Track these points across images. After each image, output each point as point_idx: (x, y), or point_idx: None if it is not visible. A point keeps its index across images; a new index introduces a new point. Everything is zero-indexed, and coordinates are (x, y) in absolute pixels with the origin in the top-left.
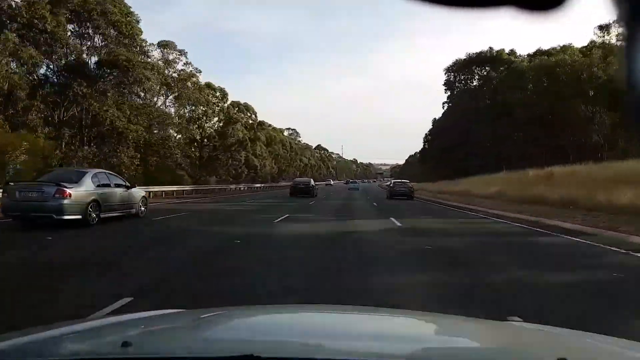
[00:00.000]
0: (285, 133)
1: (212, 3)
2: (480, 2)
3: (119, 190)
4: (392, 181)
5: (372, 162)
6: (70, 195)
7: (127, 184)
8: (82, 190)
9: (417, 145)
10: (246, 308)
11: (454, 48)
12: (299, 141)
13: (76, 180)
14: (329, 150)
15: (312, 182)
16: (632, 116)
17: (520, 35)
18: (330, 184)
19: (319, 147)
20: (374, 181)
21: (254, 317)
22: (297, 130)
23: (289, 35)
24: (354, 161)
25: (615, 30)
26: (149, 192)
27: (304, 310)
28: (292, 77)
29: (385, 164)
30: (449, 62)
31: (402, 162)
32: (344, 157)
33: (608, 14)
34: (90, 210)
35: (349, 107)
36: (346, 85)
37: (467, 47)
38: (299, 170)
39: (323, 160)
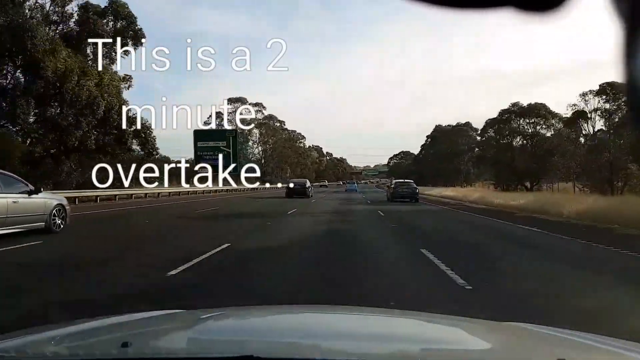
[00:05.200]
0: None
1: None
2: (479, 2)
3: (14, 197)
4: (394, 181)
5: (344, 157)
6: None
7: (30, 187)
8: None
9: (402, 147)
10: (245, 309)
11: (426, 53)
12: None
13: None
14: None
15: (308, 183)
16: (634, 118)
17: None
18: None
19: None
20: (358, 182)
21: (253, 317)
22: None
23: (253, 35)
24: (317, 148)
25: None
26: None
27: (302, 311)
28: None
29: (357, 166)
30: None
31: (375, 163)
32: (298, 132)
33: (608, 14)
34: None
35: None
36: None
37: (449, 50)
38: None
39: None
